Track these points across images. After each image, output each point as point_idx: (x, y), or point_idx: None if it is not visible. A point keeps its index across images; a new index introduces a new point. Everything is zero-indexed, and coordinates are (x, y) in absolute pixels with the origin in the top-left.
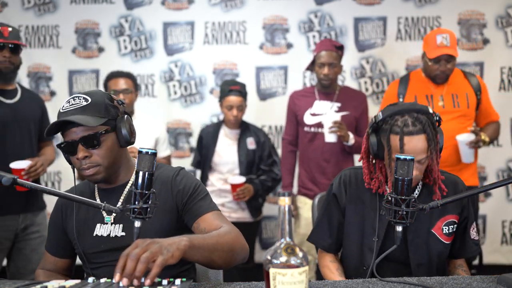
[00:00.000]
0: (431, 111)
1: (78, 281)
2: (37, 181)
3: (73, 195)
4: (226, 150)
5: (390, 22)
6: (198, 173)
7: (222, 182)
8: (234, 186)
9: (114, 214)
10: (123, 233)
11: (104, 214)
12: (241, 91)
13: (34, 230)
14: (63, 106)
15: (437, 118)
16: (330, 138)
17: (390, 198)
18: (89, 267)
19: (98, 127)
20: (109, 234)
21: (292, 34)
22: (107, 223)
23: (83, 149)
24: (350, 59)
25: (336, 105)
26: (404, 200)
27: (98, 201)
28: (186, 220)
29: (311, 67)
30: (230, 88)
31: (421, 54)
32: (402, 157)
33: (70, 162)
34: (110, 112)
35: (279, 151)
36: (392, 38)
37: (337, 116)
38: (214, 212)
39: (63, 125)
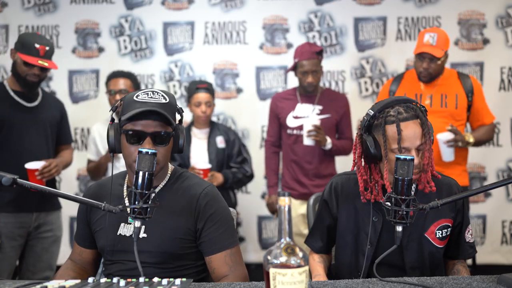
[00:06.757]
0: (416, 102)
1: (78, 281)
2: (52, 181)
3: (72, 195)
4: (196, 149)
5: (390, 22)
6: None
7: None
8: (204, 172)
9: None
10: (145, 235)
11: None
12: (209, 89)
13: (47, 229)
14: (138, 96)
15: (423, 109)
16: (308, 141)
17: (390, 198)
18: (104, 262)
19: (169, 127)
20: (132, 235)
21: (292, 34)
22: (130, 223)
23: (151, 143)
24: (350, 59)
25: (318, 107)
26: (404, 200)
27: (125, 198)
28: (200, 247)
29: (294, 70)
30: (198, 86)
31: None
32: (402, 157)
33: (114, 151)
34: (177, 117)
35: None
36: (392, 38)
37: (317, 120)
38: (227, 252)
39: (141, 113)
